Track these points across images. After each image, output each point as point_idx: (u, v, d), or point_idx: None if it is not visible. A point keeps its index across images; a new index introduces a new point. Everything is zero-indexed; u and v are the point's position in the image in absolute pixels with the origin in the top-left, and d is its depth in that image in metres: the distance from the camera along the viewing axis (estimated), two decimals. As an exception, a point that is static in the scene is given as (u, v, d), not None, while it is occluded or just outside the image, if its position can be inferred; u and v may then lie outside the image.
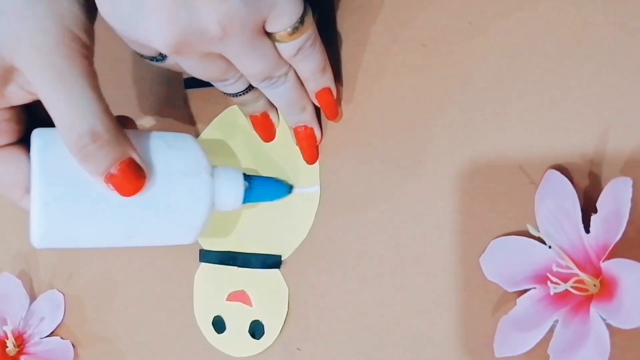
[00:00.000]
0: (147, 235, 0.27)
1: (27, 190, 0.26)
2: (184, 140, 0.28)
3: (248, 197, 0.29)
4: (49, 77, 0.23)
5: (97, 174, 0.25)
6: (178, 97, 0.35)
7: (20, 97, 0.26)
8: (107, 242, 0.27)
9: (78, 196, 0.25)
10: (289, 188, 0.31)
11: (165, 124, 0.36)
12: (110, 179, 0.25)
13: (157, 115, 0.36)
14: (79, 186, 0.25)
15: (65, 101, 0.24)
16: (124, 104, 0.37)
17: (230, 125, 0.33)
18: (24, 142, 0.27)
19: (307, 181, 0.31)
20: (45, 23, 0.24)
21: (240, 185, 0.28)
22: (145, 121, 0.37)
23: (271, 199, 0.31)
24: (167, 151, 0.27)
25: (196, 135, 0.34)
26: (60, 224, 0.25)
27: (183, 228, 0.27)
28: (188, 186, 0.27)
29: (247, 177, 0.29)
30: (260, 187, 0.30)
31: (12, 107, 0.26)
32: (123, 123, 0.28)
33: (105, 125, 0.24)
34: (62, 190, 0.25)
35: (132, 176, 0.25)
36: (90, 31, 0.25)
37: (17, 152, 0.27)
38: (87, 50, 0.25)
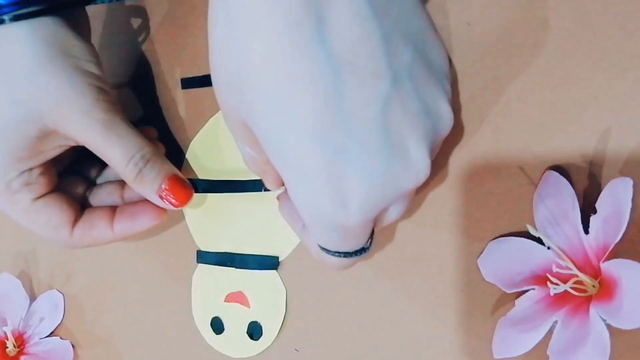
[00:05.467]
0: None
1: (72, 227, 0.31)
2: None
3: None
4: (99, 131, 0.28)
5: (151, 189, 0.30)
6: (175, 96, 0.35)
7: (54, 152, 0.30)
8: None
9: None
10: None
11: (162, 124, 0.36)
12: (162, 194, 0.30)
13: (153, 114, 0.36)
14: None
15: (118, 143, 0.29)
16: (121, 104, 0.37)
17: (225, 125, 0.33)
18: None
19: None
20: (81, 90, 0.28)
21: None
22: (142, 121, 0.37)
23: None
24: None
25: (192, 135, 0.34)
26: None
27: None
28: None
29: None
30: None
31: (48, 160, 0.30)
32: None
33: (152, 150, 0.30)
34: None
35: (181, 188, 0.31)
36: (104, 75, 0.30)
37: (57, 197, 0.31)
38: (112, 97, 0.29)
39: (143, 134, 0.32)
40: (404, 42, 0.21)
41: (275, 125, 0.20)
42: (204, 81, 0.33)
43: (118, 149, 0.29)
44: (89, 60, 0.29)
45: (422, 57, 0.22)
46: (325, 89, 0.20)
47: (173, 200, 0.30)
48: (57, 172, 0.32)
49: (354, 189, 0.20)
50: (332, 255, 0.24)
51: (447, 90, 0.23)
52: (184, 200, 0.31)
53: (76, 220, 0.31)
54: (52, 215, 0.31)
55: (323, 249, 0.24)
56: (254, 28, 0.20)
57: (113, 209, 0.32)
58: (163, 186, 0.30)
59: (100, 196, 0.33)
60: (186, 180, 0.31)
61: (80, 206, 0.32)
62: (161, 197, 0.30)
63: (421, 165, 0.21)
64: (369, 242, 0.24)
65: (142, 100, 0.37)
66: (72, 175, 0.33)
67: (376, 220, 0.23)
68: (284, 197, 0.28)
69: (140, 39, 0.37)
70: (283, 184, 0.28)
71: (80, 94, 0.28)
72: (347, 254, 0.24)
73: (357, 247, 0.24)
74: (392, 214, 0.23)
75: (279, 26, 0.19)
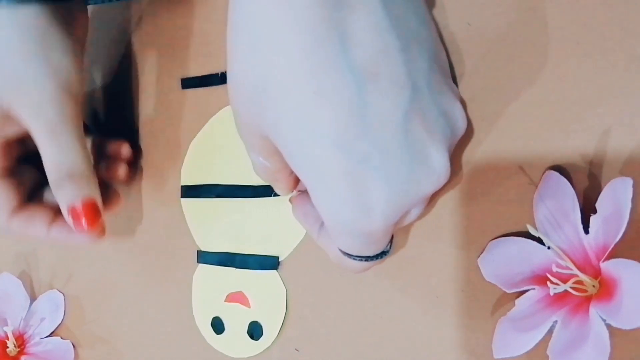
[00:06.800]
0: None
1: (11, 215, 0.31)
2: None
3: None
4: (44, 130, 0.28)
5: (64, 202, 0.29)
6: (174, 96, 0.35)
7: (11, 134, 0.29)
8: None
9: None
10: None
11: (162, 123, 0.36)
12: (72, 211, 0.29)
13: (153, 114, 0.36)
14: None
15: (55, 151, 0.28)
16: (121, 104, 0.37)
17: (226, 124, 0.33)
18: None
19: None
20: (42, 82, 0.27)
21: None
22: (141, 121, 0.37)
23: None
24: None
25: (193, 135, 0.34)
26: None
27: None
28: None
29: None
30: None
31: (5, 142, 0.30)
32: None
33: (81, 170, 0.29)
34: None
35: (91, 214, 0.29)
36: (81, 81, 0.29)
37: (6, 182, 0.31)
38: (76, 102, 0.29)
39: (112, 148, 0.33)
40: (420, 51, 0.22)
41: (300, 137, 0.21)
42: (204, 81, 0.34)
43: (52, 157, 0.28)
44: (64, 58, 0.28)
45: (436, 63, 0.23)
46: (349, 101, 0.20)
47: (78, 221, 0.29)
48: (15, 157, 0.31)
49: (378, 196, 0.21)
50: (354, 259, 0.24)
51: (457, 93, 0.24)
52: (89, 225, 0.29)
53: (19, 209, 0.31)
54: None
55: (344, 253, 0.24)
56: (278, 45, 0.20)
57: (58, 211, 0.31)
58: (76, 204, 0.29)
59: (50, 194, 0.33)
60: (100, 210, 0.30)
61: (29, 197, 0.32)
62: (69, 214, 0.29)
63: (442, 170, 0.22)
64: (389, 246, 0.25)
65: (143, 100, 0.37)
66: (33, 165, 0.33)
67: (396, 223, 0.24)
68: (298, 200, 0.28)
69: (140, 39, 0.37)
70: (293, 190, 0.28)
71: (40, 90, 0.27)
72: (368, 258, 0.24)
73: (379, 251, 0.24)
74: (412, 215, 0.24)
75: (304, 43, 0.19)
